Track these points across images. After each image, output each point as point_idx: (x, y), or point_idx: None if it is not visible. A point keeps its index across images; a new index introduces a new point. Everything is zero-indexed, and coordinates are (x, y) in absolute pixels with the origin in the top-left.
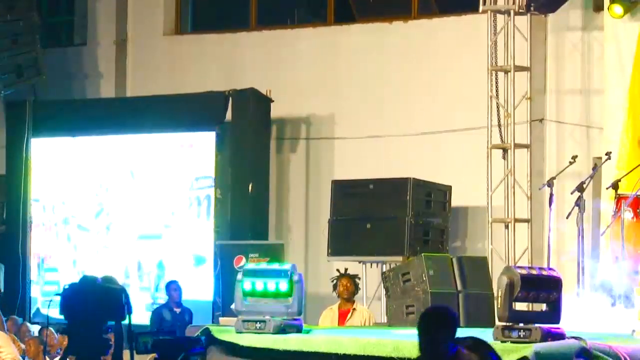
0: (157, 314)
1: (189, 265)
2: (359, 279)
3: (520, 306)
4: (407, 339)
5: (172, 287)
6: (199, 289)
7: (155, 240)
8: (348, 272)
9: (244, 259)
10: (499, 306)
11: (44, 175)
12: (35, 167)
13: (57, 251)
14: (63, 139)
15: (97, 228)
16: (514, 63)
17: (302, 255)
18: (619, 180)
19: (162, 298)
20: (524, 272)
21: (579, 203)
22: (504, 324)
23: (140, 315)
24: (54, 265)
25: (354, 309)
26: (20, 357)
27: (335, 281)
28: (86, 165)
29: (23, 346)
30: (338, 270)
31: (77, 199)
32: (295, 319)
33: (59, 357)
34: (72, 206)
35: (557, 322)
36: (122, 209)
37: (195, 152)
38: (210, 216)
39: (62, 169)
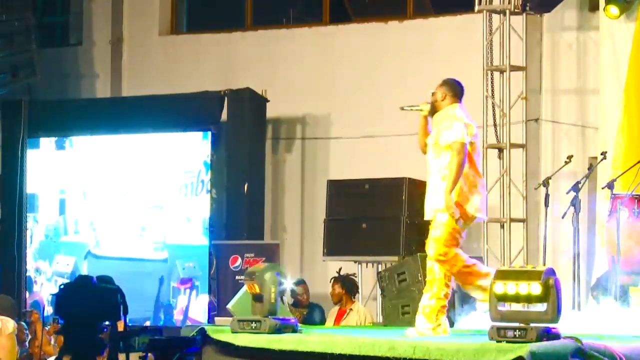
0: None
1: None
2: (355, 276)
3: (516, 307)
4: (403, 338)
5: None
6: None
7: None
8: (341, 273)
9: (239, 259)
10: (490, 307)
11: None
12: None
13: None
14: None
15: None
16: (509, 63)
17: (298, 255)
18: (615, 180)
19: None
20: (502, 269)
21: (575, 203)
22: (499, 323)
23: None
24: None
25: (351, 309)
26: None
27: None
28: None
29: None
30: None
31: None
32: (290, 319)
33: (53, 357)
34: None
35: (555, 321)
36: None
37: (190, 151)
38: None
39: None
